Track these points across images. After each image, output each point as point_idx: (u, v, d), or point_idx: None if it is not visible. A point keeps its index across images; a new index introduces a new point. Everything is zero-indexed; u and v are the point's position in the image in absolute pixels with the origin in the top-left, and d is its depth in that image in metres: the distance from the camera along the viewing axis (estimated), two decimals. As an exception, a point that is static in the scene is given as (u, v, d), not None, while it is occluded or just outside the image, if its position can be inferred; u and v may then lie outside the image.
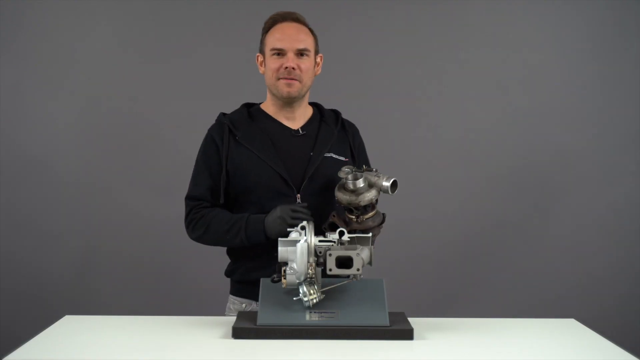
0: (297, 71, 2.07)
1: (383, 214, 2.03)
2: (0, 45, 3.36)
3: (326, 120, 2.18)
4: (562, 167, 3.50)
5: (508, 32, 3.48)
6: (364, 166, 2.05)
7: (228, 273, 2.20)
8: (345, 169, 1.99)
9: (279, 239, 1.86)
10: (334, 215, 2.01)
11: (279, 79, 2.08)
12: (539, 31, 3.48)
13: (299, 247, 1.81)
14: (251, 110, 2.18)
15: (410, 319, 1.93)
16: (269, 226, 1.98)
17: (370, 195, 1.96)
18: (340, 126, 2.19)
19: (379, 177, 1.97)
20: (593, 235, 3.51)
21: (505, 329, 1.99)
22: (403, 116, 3.53)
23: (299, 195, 2.06)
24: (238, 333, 1.82)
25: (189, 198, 2.13)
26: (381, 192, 1.97)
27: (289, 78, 2.07)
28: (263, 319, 1.84)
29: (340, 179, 1.99)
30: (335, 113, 2.24)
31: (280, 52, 2.07)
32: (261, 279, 1.96)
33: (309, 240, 1.82)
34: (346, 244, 1.85)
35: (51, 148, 3.39)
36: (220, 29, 3.43)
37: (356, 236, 1.89)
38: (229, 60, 3.43)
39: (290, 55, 2.06)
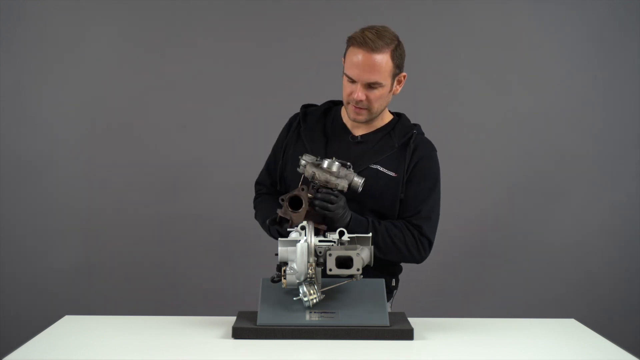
0: (365, 102, 2.03)
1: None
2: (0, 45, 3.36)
3: (393, 133, 2.13)
4: (562, 168, 3.50)
5: (509, 33, 3.47)
6: (333, 158, 1.96)
7: None
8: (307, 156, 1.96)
9: (279, 239, 1.86)
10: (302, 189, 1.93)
11: (349, 102, 2.06)
12: (541, 32, 3.48)
13: (299, 247, 1.81)
14: (333, 107, 2.21)
15: (410, 319, 1.93)
16: None
17: (338, 181, 1.92)
18: (404, 142, 2.11)
19: (352, 173, 1.95)
20: (593, 236, 3.51)
21: (505, 329, 1.99)
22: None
23: None
24: (238, 333, 1.82)
25: (255, 183, 2.27)
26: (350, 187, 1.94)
27: (357, 107, 2.05)
28: (263, 319, 1.84)
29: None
30: (410, 129, 2.14)
31: (351, 79, 2.03)
32: (261, 279, 1.96)
33: (309, 240, 1.82)
34: (346, 244, 1.86)
35: (51, 147, 3.39)
36: (221, 28, 3.42)
37: (356, 236, 1.89)
38: (230, 59, 3.43)
39: (359, 86, 2.01)
